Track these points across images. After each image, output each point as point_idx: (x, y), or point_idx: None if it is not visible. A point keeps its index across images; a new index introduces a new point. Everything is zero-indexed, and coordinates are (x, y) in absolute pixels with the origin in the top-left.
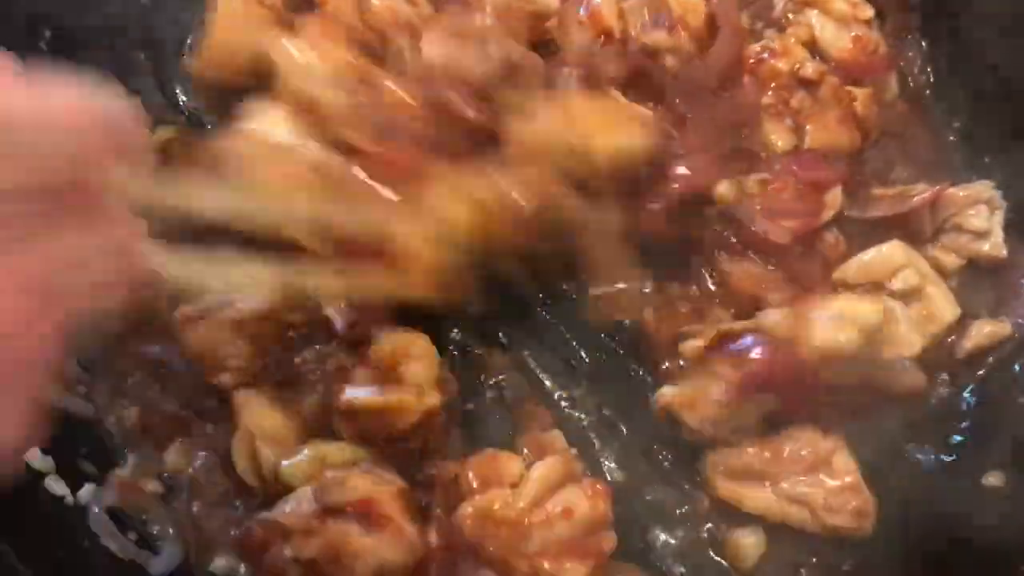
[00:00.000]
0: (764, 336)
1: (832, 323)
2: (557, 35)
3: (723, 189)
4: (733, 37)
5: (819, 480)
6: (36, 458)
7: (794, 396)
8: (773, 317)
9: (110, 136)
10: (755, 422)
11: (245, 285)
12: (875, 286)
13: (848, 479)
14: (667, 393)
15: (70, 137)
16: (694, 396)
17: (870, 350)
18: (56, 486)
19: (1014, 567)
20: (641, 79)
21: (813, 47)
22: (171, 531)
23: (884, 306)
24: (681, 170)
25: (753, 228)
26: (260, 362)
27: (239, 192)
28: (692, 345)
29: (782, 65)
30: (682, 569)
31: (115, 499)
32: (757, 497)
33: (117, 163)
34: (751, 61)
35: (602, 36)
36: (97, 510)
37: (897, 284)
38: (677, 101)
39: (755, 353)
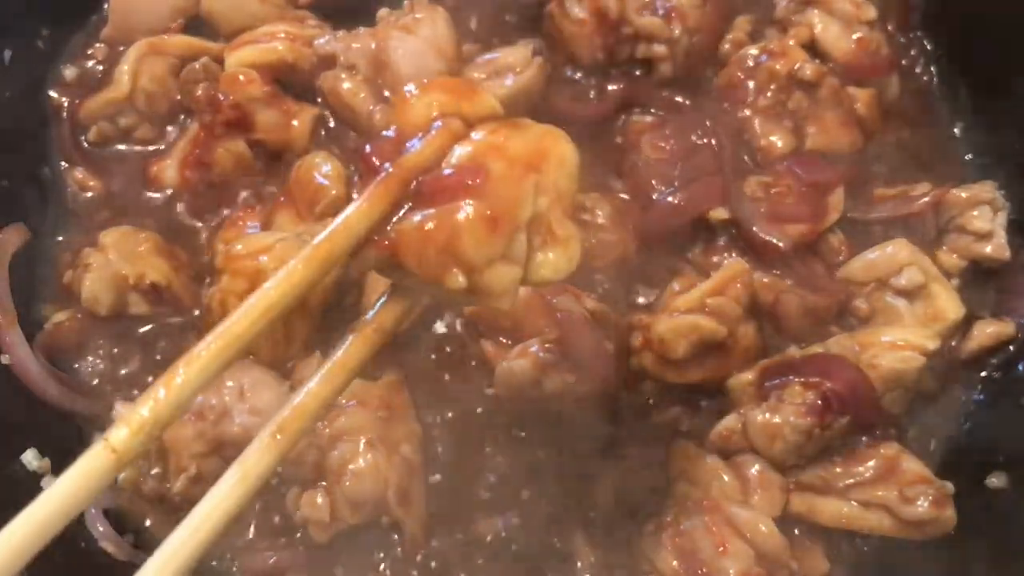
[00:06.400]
0: (835, 360)
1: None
2: (555, 12)
3: (718, 214)
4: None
5: (892, 483)
6: (34, 459)
7: (867, 414)
8: (842, 343)
9: None
10: (823, 445)
11: None
12: (880, 283)
13: (920, 474)
14: (729, 424)
15: None
16: (766, 423)
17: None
18: None
19: (1015, 567)
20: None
21: (814, 48)
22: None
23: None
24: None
25: (755, 230)
26: None
27: None
28: (741, 379)
29: (780, 67)
30: None
31: (113, 501)
32: (831, 507)
33: None
34: (749, 64)
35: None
36: (94, 511)
37: (902, 282)
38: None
39: (830, 376)
